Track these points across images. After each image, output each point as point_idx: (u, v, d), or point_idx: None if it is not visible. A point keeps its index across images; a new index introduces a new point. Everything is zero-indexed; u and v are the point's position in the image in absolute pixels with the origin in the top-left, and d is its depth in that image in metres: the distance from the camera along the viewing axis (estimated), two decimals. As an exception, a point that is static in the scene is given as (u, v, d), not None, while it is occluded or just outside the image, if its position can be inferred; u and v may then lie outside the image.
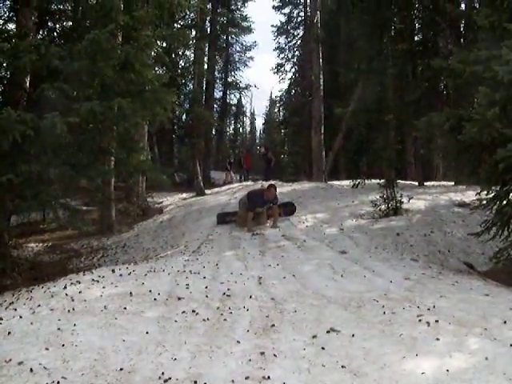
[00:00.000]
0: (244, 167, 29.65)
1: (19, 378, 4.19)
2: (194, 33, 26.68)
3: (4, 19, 12.61)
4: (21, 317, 5.63)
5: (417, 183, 19.58)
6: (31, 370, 4.30)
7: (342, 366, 4.40)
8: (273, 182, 14.01)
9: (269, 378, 4.19)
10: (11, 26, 12.10)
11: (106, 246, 14.81)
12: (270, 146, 37.50)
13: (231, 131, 59.63)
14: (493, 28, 8.59)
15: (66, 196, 10.83)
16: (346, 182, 20.62)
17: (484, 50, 8.40)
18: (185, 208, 19.29)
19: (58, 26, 13.82)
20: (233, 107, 48.06)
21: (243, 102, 55.08)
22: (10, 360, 4.50)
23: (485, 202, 8.65)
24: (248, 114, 63.28)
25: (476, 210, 9.33)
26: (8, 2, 12.52)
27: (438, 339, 4.89)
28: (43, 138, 8.23)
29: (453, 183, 18.27)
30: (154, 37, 10.87)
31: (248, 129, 67.50)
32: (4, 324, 5.45)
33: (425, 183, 19.58)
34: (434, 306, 6.01)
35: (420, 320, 5.47)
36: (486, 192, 8.59)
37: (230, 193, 21.20)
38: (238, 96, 47.54)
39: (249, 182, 25.02)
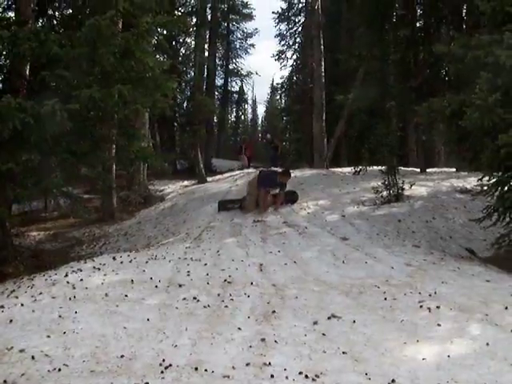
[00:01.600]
0: (246, 155, 29.36)
1: (21, 366, 4.21)
2: (194, 20, 26.54)
3: (3, 7, 12.59)
4: (22, 305, 5.66)
5: (418, 170, 19.48)
6: (33, 357, 4.33)
7: (343, 352, 4.43)
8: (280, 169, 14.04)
9: (270, 364, 4.21)
10: (10, 13, 12.09)
11: (107, 234, 14.82)
12: (274, 133, 37.23)
13: (233, 119, 59.53)
14: (495, 13, 8.55)
15: (68, 184, 10.81)
16: (348, 169, 20.57)
17: (486, 34, 8.37)
18: (186, 195, 19.27)
19: (57, 13, 13.80)
20: (234, 95, 47.90)
21: (245, 90, 54.78)
22: (12, 348, 4.53)
23: (486, 187, 8.65)
24: (250, 102, 62.98)
25: (478, 196, 9.35)
26: (7, -11, 12.50)
27: (439, 325, 4.92)
28: (43, 126, 8.20)
29: (454, 169, 18.20)
30: (154, 24, 10.77)
31: (250, 116, 67.32)
32: (6, 312, 5.47)
33: (426, 170, 19.49)
34: (436, 292, 6.03)
35: (421, 306, 5.50)
36: (487, 178, 8.59)
37: (231, 180, 21.17)
38: (239, 83, 47.36)
39: (250, 170, 24.90)
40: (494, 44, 7.76)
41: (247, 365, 4.21)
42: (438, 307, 5.40)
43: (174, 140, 34.00)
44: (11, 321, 5.16)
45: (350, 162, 23.81)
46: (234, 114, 59.51)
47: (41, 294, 6.07)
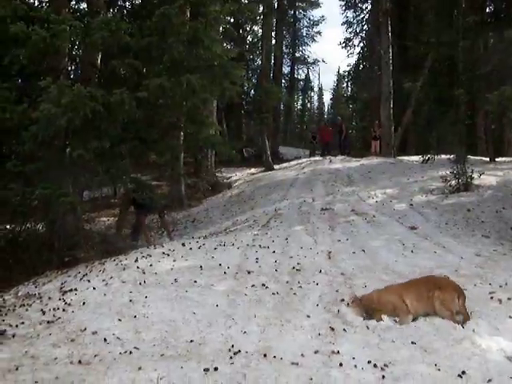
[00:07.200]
0: (322, 141, 28.25)
1: (94, 347, 4.32)
2: (261, 8, 26.49)
3: (76, -1, 12.80)
4: (94, 288, 5.79)
5: (488, 159, 19.05)
6: (105, 339, 4.43)
7: (412, 342, 4.38)
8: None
9: (338, 352, 4.19)
10: (83, 5, 12.31)
11: (175, 221, 15.00)
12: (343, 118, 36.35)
13: (299, 106, 59.40)
14: None
15: (137, 171, 10.97)
16: (416, 158, 20.31)
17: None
18: (253, 183, 19.36)
19: (127, 3, 13.98)
20: (300, 82, 47.90)
21: (311, 77, 54.78)
22: (85, 329, 4.65)
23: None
24: (316, 89, 62.78)
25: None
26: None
27: (510, 317, 4.81)
28: (113, 114, 8.33)
29: (525, 159, 17.75)
30: (222, 12, 10.79)
31: (316, 104, 67.03)
32: (79, 295, 5.62)
33: (496, 159, 19.06)
34: (507, 284, 5.90)
35: (492, 297, 5.38)
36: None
37: (298, 168, 21.14)
38: (305, 71, 47.36)
39: (317, 158, 24.69)
40: None
41: (316, 352, 4.20)
42: (509, 299, 5.28)
43: (241, 128, 34.17)
44: (84, 303, 5.29)
45: (418, 150, 23.42)
46: (300, 101, 59.43)
47: (112, 278, 6.20)
